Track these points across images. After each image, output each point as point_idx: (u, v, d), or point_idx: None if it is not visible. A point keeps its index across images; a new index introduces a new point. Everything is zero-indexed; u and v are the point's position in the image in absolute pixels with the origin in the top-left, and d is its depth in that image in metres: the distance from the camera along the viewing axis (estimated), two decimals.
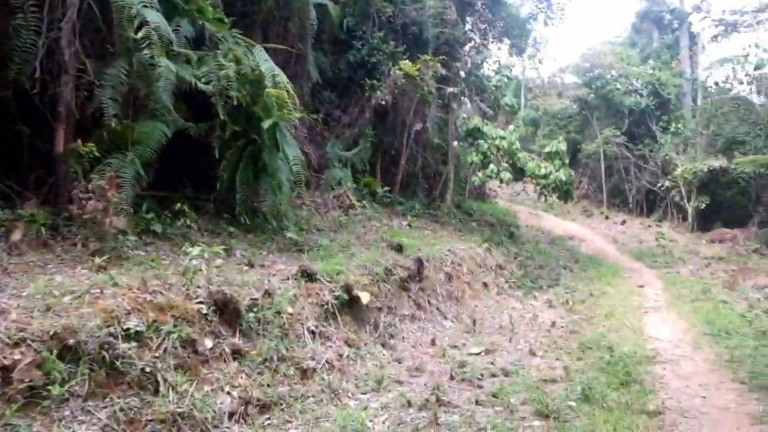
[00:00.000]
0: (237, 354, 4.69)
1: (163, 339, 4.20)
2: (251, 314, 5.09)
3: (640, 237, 20.97)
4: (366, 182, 12.74)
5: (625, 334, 7.91)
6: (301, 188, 8.34)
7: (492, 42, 19.38)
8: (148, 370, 3.91)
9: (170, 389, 3.94)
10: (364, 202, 11.46)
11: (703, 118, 23.67)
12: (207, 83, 7.27)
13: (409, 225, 11.65)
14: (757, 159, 19.79)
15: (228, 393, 4.31)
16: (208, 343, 4.56)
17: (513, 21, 17.72)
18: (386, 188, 13.14)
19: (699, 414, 4.82)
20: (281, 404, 4.49)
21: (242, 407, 4.15)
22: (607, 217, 25.22)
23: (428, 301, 8.26)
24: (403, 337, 6.92)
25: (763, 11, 21.77)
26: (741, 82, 24.46)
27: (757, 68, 23.55)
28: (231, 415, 4.12)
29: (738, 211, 21.85)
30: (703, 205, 21.78)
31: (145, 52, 6.31)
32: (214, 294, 4.84)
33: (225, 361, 4.59)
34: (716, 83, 26.25)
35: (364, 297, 6.52)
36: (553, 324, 8.33)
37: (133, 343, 3.96)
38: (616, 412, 4.61)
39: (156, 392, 3.87)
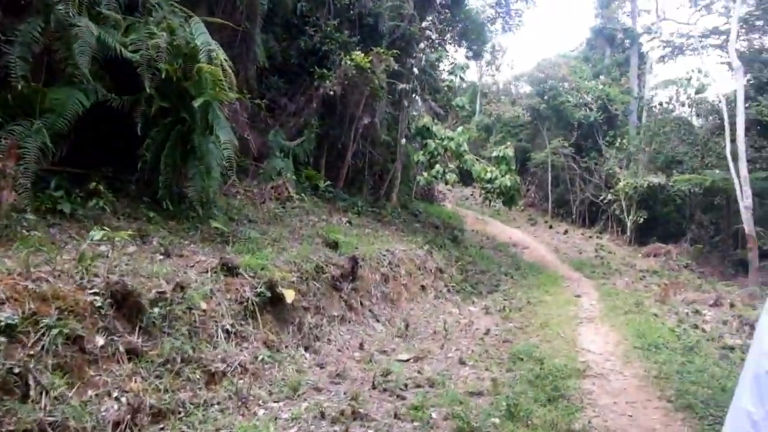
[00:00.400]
0: (133, 354, 4.17)
1: (42, 334, 3.66)
2: (156, 309, 4.57)
3: (581, 247, 21.32)
4: (308, 175, 12.28)
5: (558, 345, 7.79)
6: (232, 174, 7.80)
7: (450, 43, 19.26)
8: (16, 370, 3.36)
9: (43, 394, 3.41)
10: (303, 195, 10.98)
11: (647, 136, 24.37)
12: (134, 52, 6.66)
13: (350, 222, 11.26)
14: (693, 178, 20.56)
15: (116, 399, 3.80)
16: (99, 340, 4.04)
17: (471, 23, 17.60)
18: (329, 183, 12.69)
19: None
20: (179, 412, 4.02)
21: (130, 415, 3.66)
22: (550, 227, 25.61)
23: (361, 303, 7.91)
24: (330, 340, 6.53)
25: (707, 36, 22.57)
26: (683, 104, 25.40)
27: (698, 92, 24.46)
28: (116, 424, 3.62)
29: (673, 227, 22.69)
30: (642, 220, 22.42)
31: (60, 7, 5.66)
32: (113, 285, 4.31)
33: (118, 362, 4.07)
34: (660, 103, 27.18)
35: (289, 295, 6.10)
36: (488, 332, 8.13)
37: (2, 339, 3.41)
38: (540, 431, 4.37)
39: (24, 397, 3.34)
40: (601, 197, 24.73)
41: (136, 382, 3.98)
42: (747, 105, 18.65)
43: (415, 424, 4.31)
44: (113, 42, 6.42)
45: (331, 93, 12.70)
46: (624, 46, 32.34)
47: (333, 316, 7.06)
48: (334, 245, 8.53)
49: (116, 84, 6.92)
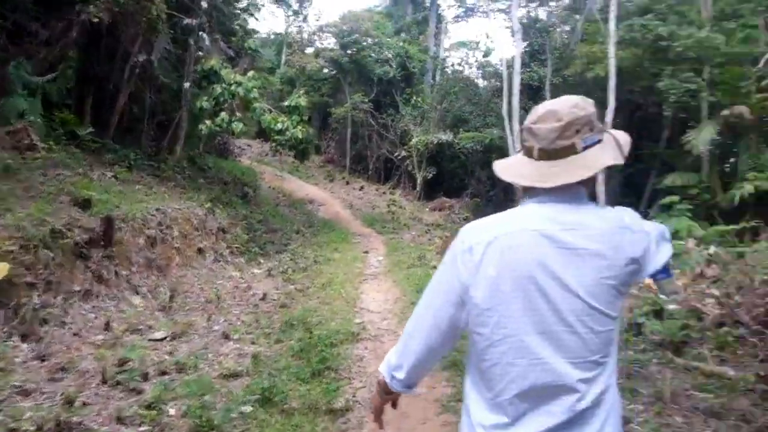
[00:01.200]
0: None
1: None
2: None
3: (375, 203, 21.90)
4: (63, 119, 10.32)
5: (338, 306, 7.62)
6: None
7: None
8: None
9: None
10: (52, 143, 9.15)
11: (439, 95, 25.68)
12: None
13: (116, 177, 9.73)
14: (476, 136, 22.33)
15: None
16: None
17: None
18: (92, 130, 10.86)
19: (388, 408, 4.50)
20: None
21: None
22: (347, 183, 25.89)
23: (116, 273, 6.80)
24: (64, 323, 5.43)
25: (496, 1, 24.37)
26: (471, 66, 27.32)
27: (485, 55, 26.49)
28: None
29: (457, 182, 24.52)
30: (431, 175, 23.82)
31: None
32: None
33: None
34: (452, 64, 28.83)
35: (1, 270, 4.87)
36: (264, 297, 7.64)
37: None
38: (296, 416, 3.98)
39: None
40: (396, 153, 25.63)
41: None
42: (522, 70, 20.50)
43: (143, 428, 3.61)
44: None
45: (96, 21, 10.71)
46: (424, 5, 33.47)
47: (73, 291, 5.92)
48: (85, 204, 7.21)
49: None
